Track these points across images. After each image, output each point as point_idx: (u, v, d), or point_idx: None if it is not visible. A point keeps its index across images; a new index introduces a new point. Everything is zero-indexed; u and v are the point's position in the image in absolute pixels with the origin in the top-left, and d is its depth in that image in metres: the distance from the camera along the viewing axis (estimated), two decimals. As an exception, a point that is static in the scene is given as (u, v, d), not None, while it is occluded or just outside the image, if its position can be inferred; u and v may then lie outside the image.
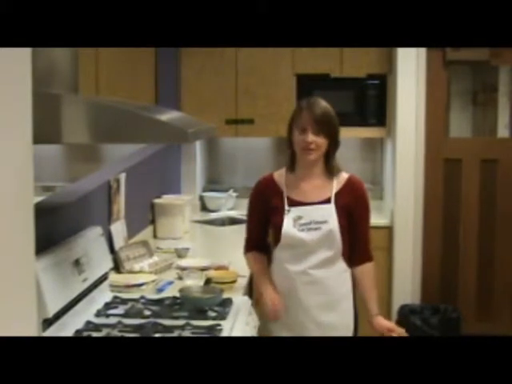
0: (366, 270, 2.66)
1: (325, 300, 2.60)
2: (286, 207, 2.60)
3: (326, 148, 2.58)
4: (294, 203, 2.61)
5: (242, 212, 4.60)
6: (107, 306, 2.49)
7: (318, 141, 2.55)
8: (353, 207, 2.61)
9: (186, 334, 2.23)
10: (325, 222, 2.56)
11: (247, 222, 2.77)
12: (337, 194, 2.61)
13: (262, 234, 2.72)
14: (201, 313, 2.42)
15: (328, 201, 2.60)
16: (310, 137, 2.54)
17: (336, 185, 2.63)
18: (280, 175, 2.69)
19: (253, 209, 2.72)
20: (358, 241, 2.63)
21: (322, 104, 2.59)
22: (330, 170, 2.63)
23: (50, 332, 2.06)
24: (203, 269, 3.07)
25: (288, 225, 2.58)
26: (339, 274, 2.62)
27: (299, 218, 2.58)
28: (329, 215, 2.57)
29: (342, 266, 2.62)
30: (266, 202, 2.65)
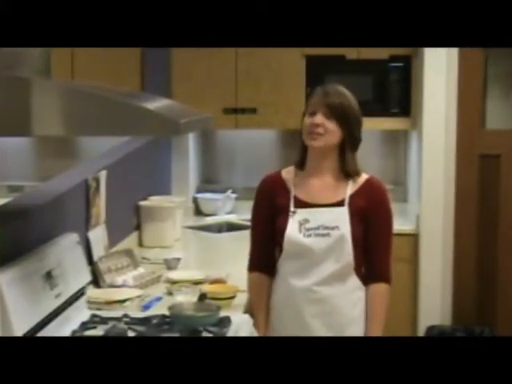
0: (378, 292, 2.62)
1: (332, 322, 2.59)
2: (292, 208, 2.61)
3: (338, 140, 2.58)
4: (301, 204, 2.61)
5: (241, 216, 4.62)
6: (84, 326, 2.49)
7: (327, 125, 2.55)
8: (369, 213, 2.60)
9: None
10: (335, 227, 2.56)
11: (251, 229, 2.76)
12: (352, 197, 2.61)
13: (269, 244, 2.68)
14: (194, 334, 2.42)
15: (341, 203, 2.60)
16: (319, 117, 2.55)
17: (352, 186, 2.63)
18: (288, 172, 2.69)
19: (257, 212, 2.72)
20: (372, 254, 2.61)
21: (341, 91, 2.60)
22: (346, 170, 2.62)
23: (17, 356, 2.06)
24: (197, 282, 3.08)
25: (292, 229, 2.58)
26: (350, 293, 2.60)
27: (306, 221, 2.58)
28: (340, 220, 2.56)
29: (354, 283, 2.61)
30: (272, 203, 2.65)
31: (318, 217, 2.58)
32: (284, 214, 2.60)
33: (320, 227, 2.57)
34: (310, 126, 2.56)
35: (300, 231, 2.57)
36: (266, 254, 2.70)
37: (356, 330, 2.61)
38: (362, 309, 2.62)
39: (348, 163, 2.62)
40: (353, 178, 2.63)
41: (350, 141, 2.60)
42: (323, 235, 2.56)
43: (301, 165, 2.67)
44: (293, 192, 2.64)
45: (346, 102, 2.58)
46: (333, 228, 2.56)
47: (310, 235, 2.57)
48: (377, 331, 2.60)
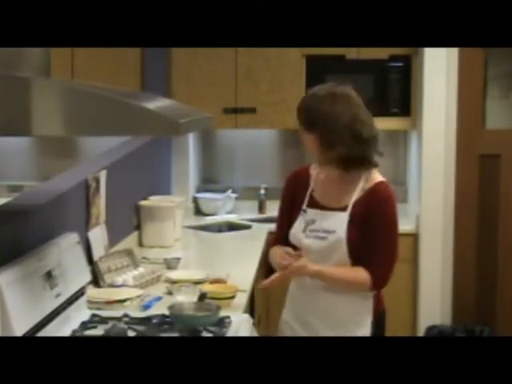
0: (363, 271, 2.54)
1: (334, 322, 2.60)
2: (304, 207, 2.64)
3: (318, 145, 2.55)
4: (313, 204, 2.65)
5: (242, 216, 4.63)
6: (84, 325, 2.49)
7: (301, 137, 2.62)
8: (367, 220, 2.56)
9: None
10: (333, 231, 2.56)
11: (277, 218, 2.81)
12: (354, 204, 2.58)
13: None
14: (194, 334, 2.42)
15: (344, 209, 2.60)
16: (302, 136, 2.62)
17: (359, 191, 2.59)
18: (315, 168, 2.73)
19: (283, 202, 2.78)
20: (369, 260, 2.55)
21: (314, 89, 2.61)
22: (346, 161, 2.55)
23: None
24: (197, 282, 3.08)
25: (298, 227, 2.63)
26: (351, 295, 2.59)
27: (312, 221, 2.60)
28: (339, 224, 2.56)
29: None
30: (293, 195, 2.70)
31: (322, 219, 2.60)
32: (297, 210, 2.65)
33: (321, 230, 2.59)
34: None
35: (304, 231, 2.61)
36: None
37: (359, 331, 2.61)
38: (365, 314, 2.61)
39: (347, 159, 2.55)
40: (366, 176, 2.59)
41: (325, 137, 2.53)
42: (321, 238, 2.58)
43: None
44: (311, 190, 2.67)
45: (306, 103, 2.60)
46: (330, 232, 2.57)
47: (309, 236, 2.60)
48: (331, 273, 2.55)
